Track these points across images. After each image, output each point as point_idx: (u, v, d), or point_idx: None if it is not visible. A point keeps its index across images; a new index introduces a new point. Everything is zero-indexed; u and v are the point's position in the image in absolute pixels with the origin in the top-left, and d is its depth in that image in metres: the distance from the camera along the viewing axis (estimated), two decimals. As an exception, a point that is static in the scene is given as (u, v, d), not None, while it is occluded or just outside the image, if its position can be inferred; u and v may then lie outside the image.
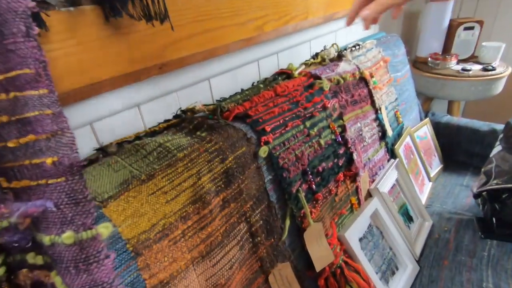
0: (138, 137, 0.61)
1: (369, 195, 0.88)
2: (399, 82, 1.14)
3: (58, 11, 0.45)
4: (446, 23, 1.48)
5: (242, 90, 0.78)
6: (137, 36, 0.55)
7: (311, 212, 0.68)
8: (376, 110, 0.95)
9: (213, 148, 0.56)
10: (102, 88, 0.54)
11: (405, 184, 0.98)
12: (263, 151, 0.61)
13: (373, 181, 0.90)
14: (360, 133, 0.87)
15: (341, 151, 0.79)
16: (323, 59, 0.91)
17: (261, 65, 0.91)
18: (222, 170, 0.55)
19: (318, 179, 0.72)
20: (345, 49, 1.00)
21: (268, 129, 0.64)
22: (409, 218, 0.95)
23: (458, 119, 1.31)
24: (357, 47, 1.03)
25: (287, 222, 0.64)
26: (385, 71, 1.05)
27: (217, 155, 0.55)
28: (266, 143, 0.63)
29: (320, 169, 0.73)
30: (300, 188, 0.67)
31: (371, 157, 0.90)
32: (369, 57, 1.00)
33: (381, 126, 0.96)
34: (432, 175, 1.20)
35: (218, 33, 0.71)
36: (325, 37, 1.13)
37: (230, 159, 0.57)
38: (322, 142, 0.74)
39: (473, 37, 1.48)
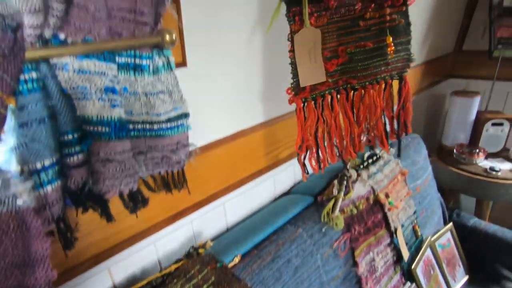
0: (149, 282, 0.65)
1: (380, 329, 0.84)
2: (419, 190, 1.11)
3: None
4: (472, 117, 1.45)
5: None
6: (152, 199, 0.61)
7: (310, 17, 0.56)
8: (391, 233, 0.93)
9: (216, 313, 0.58)
10: (118, 246, 0.59)
11: (422, 313, 0.92)
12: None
13: (386, 312, 0.86)
14: (373, 263, 0.85)
15: None
16: (344, 177, 0.92)
17: (276, 181, 0.94)
18: None
19: None
20: (363, 162, 1.00)
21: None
22: None
23: (486, 225, 1.24)
24: (375, 157, 1.04)
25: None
26: (403, 185, 1.03)
27: (219, 322, 0.57)
28: None
29: None
30: None
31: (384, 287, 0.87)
32: (386, 172, 1.00)
33: (396, 249, 0.93)
34: (455, 289, 1.12)
35: (233, 171, 0.75)
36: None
37: (232, 325, 0.58)
38: None
39: (502, 133, 1.43)
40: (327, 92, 0.66)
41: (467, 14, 1.61)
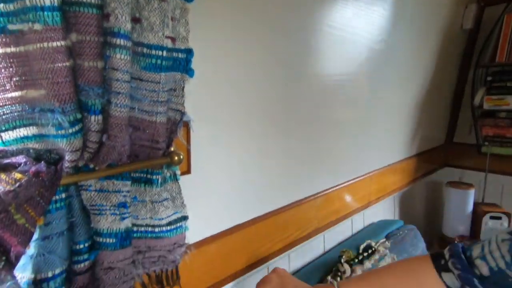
0: None
1: None
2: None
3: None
4: (469, 209, 1.47)
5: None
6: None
7: None
8: None
9: None
10: None
11: None
12: None
13: None
14: None
15: None
16: (337, 273, 0.92)
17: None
18: None
19: None
20: (358, 256, 1.01)
21: None
22: None
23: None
24: (370, 250, 1.04)
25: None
26: None
27: None
28: None
29: None
30: None
31: None
32: (381, 268, 0.99)
33: None
34: None
35: (227, 265, 0.78)
36: (341, 225, 1.17)
37: None
38: None
39: (502, 227, 1.42)
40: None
41: (453, 111, 1.76)
